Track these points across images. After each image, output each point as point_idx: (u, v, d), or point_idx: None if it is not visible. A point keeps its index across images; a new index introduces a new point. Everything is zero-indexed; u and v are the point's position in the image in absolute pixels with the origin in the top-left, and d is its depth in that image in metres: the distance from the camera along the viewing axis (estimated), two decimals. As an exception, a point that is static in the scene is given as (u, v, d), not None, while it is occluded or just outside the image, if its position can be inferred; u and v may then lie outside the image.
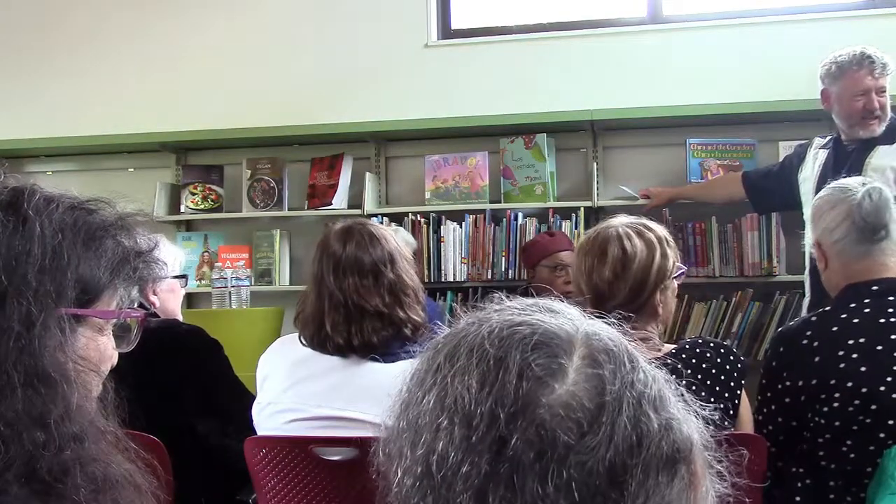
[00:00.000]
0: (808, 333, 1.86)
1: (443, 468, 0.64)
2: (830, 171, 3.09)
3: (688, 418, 0.69)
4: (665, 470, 0.65)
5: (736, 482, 0.73)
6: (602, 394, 0.65)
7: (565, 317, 0.71)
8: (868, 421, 1.77)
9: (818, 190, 3.11)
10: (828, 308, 1.93)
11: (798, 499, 1.87)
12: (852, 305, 1.86)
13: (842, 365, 1.79)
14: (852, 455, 1.79)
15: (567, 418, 0.63)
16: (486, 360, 0.67)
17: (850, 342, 1.81)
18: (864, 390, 1.77)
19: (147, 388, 1.69)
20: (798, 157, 3.32)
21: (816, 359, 1.82)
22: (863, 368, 1.78)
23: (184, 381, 2.16)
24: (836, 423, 1.80)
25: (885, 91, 2.99)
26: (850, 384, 1.78)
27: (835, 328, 1.84)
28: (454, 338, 0.71)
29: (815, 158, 3.18)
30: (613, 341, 0.70)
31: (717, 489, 0.71)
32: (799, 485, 1.87)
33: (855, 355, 1.79)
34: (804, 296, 3.29)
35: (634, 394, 0.66)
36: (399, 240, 3.38)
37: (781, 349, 1.90)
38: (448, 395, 0.67)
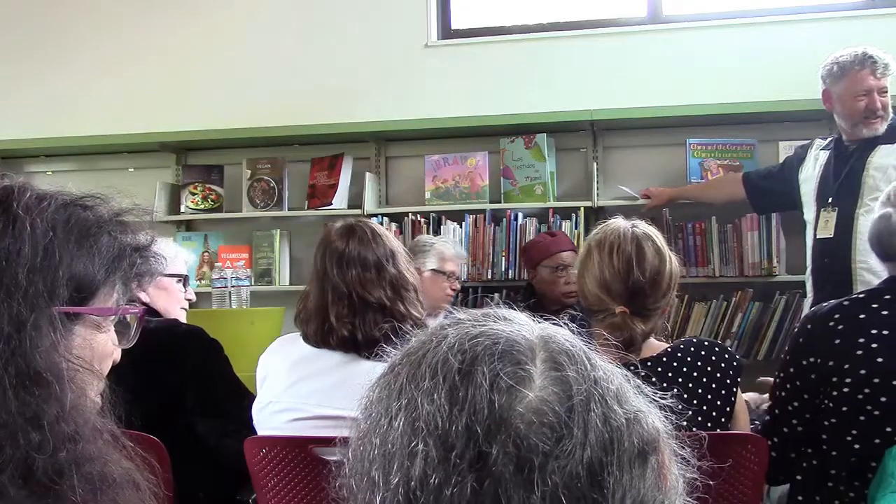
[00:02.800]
0: (837, 316, 1.86)
1: (423, 494, 0.63)
2: (831, 172, 3.09)
3: (650, 409, 0.69)
4: (638, 463, 0.65)
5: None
6: (570, 395, 0.65)
7: (519, 323, 0.71)
8: (876, 413, 1.77)
9: (819, 191, 3.12)
10: (861, 295, 1.92)
11: (799, 477, 1.87)
12: (886, 297, 1.86)
13: (859, 352, 1.79)
14: (857, 446, 1.79)
15: (540, 424, 0.63)
16: (452, 376, 0.65)
17: (874, 332, 1.80)
18: (876, 380, 1.77)
19: (147, 389, 1.70)
20: (798, 158, 3.32)
21: (837, 341, 1.82)
22: (880, 359, 1.78)
23: (184, 381, 2.15)
24: (844, 409, 1.80)
25: (886, 91, 2.99)
26: (863, 371, 1.78)
27: (862, 315, 1.84)
28: (412, 358, 0.69)
29: (816, 159, 3.18)
30: (569, 341, 0.69)
31: (685, 477, 0.71)
32: (805, 465, 1.87)
33: (875, 345, 1.79)
34: (805, 296, 3.29)
35: (599, 391, 0.66)
36: (458, 251, 3.41)
37: (809, 326, 1.90)
38: (418, 417, 0.65)
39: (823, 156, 3.16)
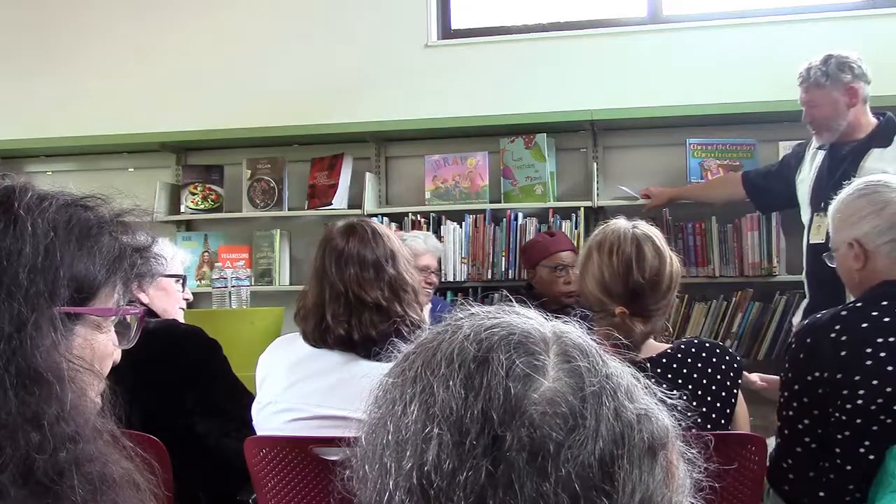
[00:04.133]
0: (837, 328, 1.84)
1: (437, 478, 0.63)
2: (826, 174, 3.08)
3: (659, 408, 0.70)
4: (647, 459, 0.65)
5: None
6: (582, 387, 0.66)
7: (531, 317, 0.72)
8: (889, 421, 1.76)
9: (814, 192, 3.10)
10: (858, 303, 1.90)
11: (822, 494, 1.85)
12: (884, 303, 1.84)
13: (868, 362, 1.78)
14: (871, 456, 1.77)
15: (553, 414, 0.64)
16: (468, 364, 0.67)
17: (880, 340, 1.79)
18: (888, 389, 1.75)
19: (147, 389, 1.69)
20: (796, 158, 3.32)
21: (843, 353, 1.80)
22: (889, 368, 1.76)
23: (183, 381, 2.15)
24: (858, 421, 1.78)
25: (816, 103, 3.02)
26: (875, 382, 1.76)
27: (864, 324, 1.82)
28: (427, 347, 0.70)
29: (813, 160, 3.18)
30: (581, 337, 0.71)
31: (692, 477, 0.71)
32: (824, 480, 1.86)
33: (883, 354, 1.78)
34: (805, 296, 3.28)
35: (611, 385, 0.67)
36: (431, 244, 3.43)
37: (809, 340, 1.87)
38: (433, 403, 0.66)
39: (819, 156, 3.16)
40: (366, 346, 1.88)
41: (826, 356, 1.82)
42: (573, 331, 0.71)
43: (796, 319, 3.28)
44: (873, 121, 3.06)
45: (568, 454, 0.63)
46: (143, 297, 2.35)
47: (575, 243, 3.52)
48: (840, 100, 2.99)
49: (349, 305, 1.90)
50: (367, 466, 0.69)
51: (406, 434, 0.66)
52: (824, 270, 3.01)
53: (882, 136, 3.00)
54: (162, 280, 2.40)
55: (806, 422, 1.86)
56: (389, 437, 0.67)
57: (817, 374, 1.82)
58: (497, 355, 0.66)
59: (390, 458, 0.66)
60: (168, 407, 2.06)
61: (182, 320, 2.51)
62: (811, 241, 3.10)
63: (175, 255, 2.58)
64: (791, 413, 1.88)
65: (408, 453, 0.65)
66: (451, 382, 0.66)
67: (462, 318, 0.72)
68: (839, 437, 1.81)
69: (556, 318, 0.74)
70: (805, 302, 3.19)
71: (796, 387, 1.87)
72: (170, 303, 2.50)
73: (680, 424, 0.71)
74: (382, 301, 1.90)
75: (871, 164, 2.95)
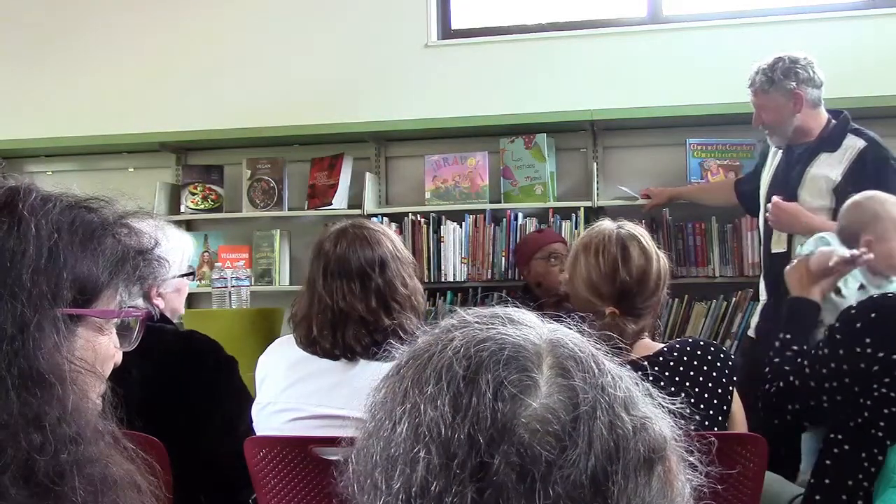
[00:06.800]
0: None
1: (423, 501, 0.62)
2: (780, 177, 3.05)
3: (658, 415, 0.68)
4: (643, 470, 0.64)
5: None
6: (576, 403, 0.64)
7: (527, 326, 0.69)
8: None
9: (769, 193, 3.05)
10: None
11: (828, 481, 1.86)
12: None
13: None
14: None
15: (545, 433, 0.62)
16: (457, 383, 0.65)
17: None
18: None
19: (158, 401, 1.69)
20: (762, 156, 3.30)
21: None
22: None
23: (200, 399, 2.05)
24: None
25: (762, 107, 3.01)
26: None
27: None
28: (418, 361, 0.69)
29: (774, 158, 3.16)
30: (578, 346, 0.68)
31: (692, 482, 0.70)
32: (831, 462, 1.87)
33: None
34: (758, 300, 3.26)
35: (606, 398, 0.65)
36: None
37: (873, 315, 1.88)
38: (421, 423, 0.64)
39: (778, 156, 3.13)
40: (353, 358, 1.89)
41: (888, 334, 1.83)
42: (570, 338, 0.69)
43: (755, 321, 3.26)
44: (825, 123, 3.00)
45: (559, 474, 0.61)
46: (160, 303, 2.28)
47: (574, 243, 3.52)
48: (785, 105, 2.96)
49: (334, 319, 1.90)
50: (357, 481, 0.68)
51: (395, 453, 0.65)
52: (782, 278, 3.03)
53: (831, 139, 2.96)
54: (178, 280, 2.37)
55: (838, 398, 1.86)
56: (379, 455, 0.66)
57: (869, 350, 1.83)
58: (485, 375, 0.64)
59: (381, 477, 0.66)
60: (179, 424, 2.01)
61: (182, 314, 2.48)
62: (773, 251, 3.08)
63: (185, 251, 2.50)
64: (836, 384, 1.88)
65: (396, 473, 0.64)
66: (438, 402, 0.64)
67: (454, 329, 0.70)
68: (886, 411, 1.82)
69: (555, 318, 0.72)
70: (762, 303, 3.17)
71: (841, 351, 1.88)
72: (181, 301, 2.46)
73: (680, 429, 0.69)
74: (367, 314, 1.89)
75: (816, 169, 2.93)
